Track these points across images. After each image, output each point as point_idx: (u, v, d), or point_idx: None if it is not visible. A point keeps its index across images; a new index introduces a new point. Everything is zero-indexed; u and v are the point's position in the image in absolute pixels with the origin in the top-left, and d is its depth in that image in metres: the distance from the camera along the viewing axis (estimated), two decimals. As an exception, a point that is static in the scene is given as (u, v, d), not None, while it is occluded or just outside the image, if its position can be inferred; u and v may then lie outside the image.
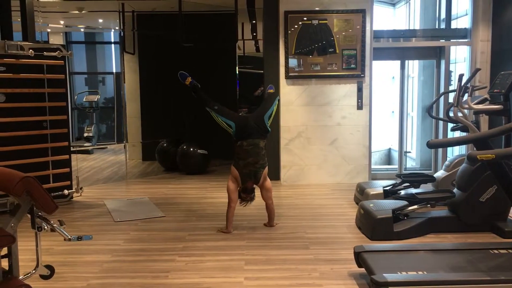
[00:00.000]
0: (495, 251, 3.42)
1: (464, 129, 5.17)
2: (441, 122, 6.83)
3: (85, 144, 8.67)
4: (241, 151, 4.36)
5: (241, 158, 4.36)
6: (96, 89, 9.84)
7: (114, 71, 9.11)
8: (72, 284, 3.37)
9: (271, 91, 5.02)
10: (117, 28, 7.53)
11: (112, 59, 9.28)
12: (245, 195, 4.47)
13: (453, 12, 7.16)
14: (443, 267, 3.17)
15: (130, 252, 4.04)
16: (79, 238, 2.92)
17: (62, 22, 8.22)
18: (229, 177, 4.46)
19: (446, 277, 2.98)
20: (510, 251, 3.43)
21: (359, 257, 3.37)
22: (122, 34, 7.48)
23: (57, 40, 8.68)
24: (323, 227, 4.64)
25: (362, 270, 3.35)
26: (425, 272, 3.04)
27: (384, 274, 2.95)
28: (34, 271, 2.95)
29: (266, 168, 4.44)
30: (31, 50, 5.20)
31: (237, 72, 8.50)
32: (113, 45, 9.03)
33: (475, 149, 3.58)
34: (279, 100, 4.69)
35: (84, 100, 9.33)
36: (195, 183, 6.82)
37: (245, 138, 4.35)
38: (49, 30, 7.98)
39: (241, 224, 4.64)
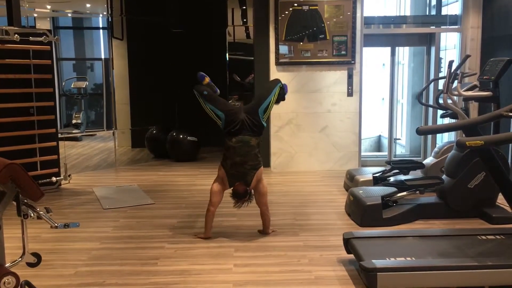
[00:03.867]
0: (483, 237, 3.45)
1: (453, 115, 5.18)
2: (430, 109, 6.83)
3: (73, 131, 8.58)
4: (228, 148, 3.78)
5: (229, 156, 3.79)
6: (85, 76, 9.72)
7: (102, 57, 8.98)
8: (60, 271, 3.35)
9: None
10: (105, 13, 7.41)
11: (100, 45, 9.15)
12: (237, 199, 3.83)
13: (444, -2, 7.14)
14: (431, 253, 3.19)
15: (119, 239, 4.01)
16: (66, 226, 2.89)
17: (48, 6, 8.05)
18: (216, 177, 3.91)
19: (434, 263, 3.00)
20: (497, 237, 3.46)
21: (348, 243, 3.38)
22: (110, 20, 7.36)
23: (44, 25, 8.52)
24: (312, 214, 4.65)
25: (351, 256, 3.36)
26: (413, 258, 3.06)
27: (373, 260, 2.96)
28: (20, 259, 2.92)
29: (260, 169, 3.82)
30: (16, 35, 5.10)
31: (227, 59, 8.45)
32: (101, 30, 8.90)
33: (464, 135, 3.59)
34: (281, 88, 3.98)
35: (72, 86, 9.22)
36: (184, 170, 6.80)
37: (234, 134, 3.74)
38: (35, 15, 7.82)
39: (230, 212, 4.63)
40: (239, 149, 3.73)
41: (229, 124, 3.75)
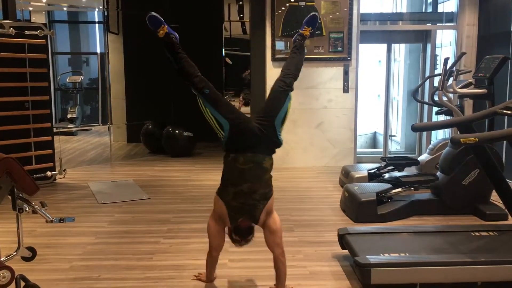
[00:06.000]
0: (476, 234, 3.47)
1: (448, 113, 5.20)
2: (426, 106, 6.86)
3: (68, 126, 8.55)
4: (232, 170, 2.71)
5: (231, 181, 2.72)
6: (80, 70, 9.68)
7: (98, 51, 8.95)
8: (55, 265, 3.35)
9: (306, 32, 3.09)
10: (100, 7, 7.38)
11: (96, 39, 9.11)
12: (238, 237, 2.81)
13: (440, -5, 7.15)
14: (425, 249, 3.21)
15: (114, 234, 4.02)
16: (61, 220, 2.89)
17: (44, 0, 8.01)
18: (211, 212, 2.87)
19: (427, 258, 3.02)
20: (491, 233, 3.48)
21: (343, 239, 3.40)
22: (106, 14, 7.34)
23: (39, 19, 8.47)
24: (308, 210, 4.66)
25: (346, 252, 3.37)
26: (407, 254, 3.08)
27: (367, 256, 2.98)
28: (15, 253, 2.92)
29: (271, 199, 2.79)
30: (11, 29, 5.08)
31: (224, 54, 8.44)
32: (97, 24, 8.86)
33: (458, 132, 3.60)
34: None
35: (67, 80, 9.18)
36: (180, 165, 6.80)
37: (242, 151, 2.69)
38: (30, 8, 7.77)
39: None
40: (248, 172, 2.68)
41: (236, 137, 2.71)
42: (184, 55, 2.85)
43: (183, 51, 2.85)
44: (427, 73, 6.82)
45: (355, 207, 4.30)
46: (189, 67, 2.83)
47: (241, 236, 2.80)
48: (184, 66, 2.82)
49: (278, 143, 2.84)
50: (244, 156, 2.68)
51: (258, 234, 3.98)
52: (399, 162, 5.34)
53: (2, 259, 2.83)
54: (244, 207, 2.71)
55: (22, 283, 2.72)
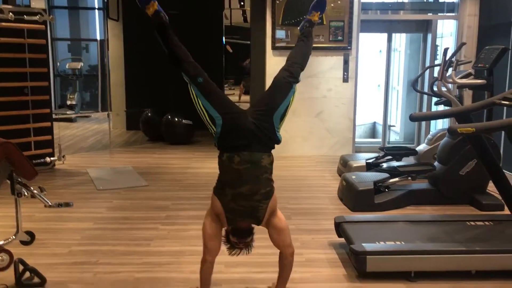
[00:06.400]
0: (472, 223, 3.50)
1: (447, 103, 5.21)
2: (425, 96, 6.86)
3: (68, 112, 8.56)
4: (228, 171, 2.45)
5: (229, 183, 2.46)
6: (80, 56, 9.67)
7: (98, 38, 8.93)
8: (54, 250, 3.38)
9: (315, 17, 2.95)
10: (100, -7, 7.35)
11: (96, 25, 9.09)
12: (237, 239, 2.54)
13: (442, -15, 7.11)
14: (420, 237, 3.23)
15: (112, 220, 4.04)
16: (60, 205, 2.91)
17: (43, -15, 7.96)
18: (207, 210, 2.59)
19: (422, 247, 3.05)
20: (486, 223, 3.51)
21: (340, 227, 3.43)
22: (105, 0, 7.31)
23: (38, 4, 8.43)
24: (305, 198, 4.69)
25: (342, 240, 3.40)
26: (402, 242, 3.10)
27: (363, 244, 3.00)
28: (14, 237, 2.95)
29: (274, 196, 2.56)
30: (11, 14, 5.05)
31: (224, 42, 8.42)
32: (96, 11, 8.83)
33: (457, 123, 3.61)
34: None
35: (67, 67, 9.17)
36: (179, 153, 6.81)
37: (236, 150, 2.42)
38: (30, -7, 7.75)
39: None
40: (245, 173, 2.41)
41: (229, 134, 2.45)
42: (175, 38, 2.58)
43: (173, 34, 2.58)
44: (427, 63, 6.81)
45: (353, 196, 4.32)
46: (181, 51, 2.57)
47: (240, 238, 2.55)
48: (175, 50, 2.56)
49: (276, 141, 2.56)
50: (239, 155, 2.40)
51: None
52: (397, 152, 5.36)
53: (1, 243, 2.85)
54: (245, 211, 2.46)
55: (21, 267, 2.75)
